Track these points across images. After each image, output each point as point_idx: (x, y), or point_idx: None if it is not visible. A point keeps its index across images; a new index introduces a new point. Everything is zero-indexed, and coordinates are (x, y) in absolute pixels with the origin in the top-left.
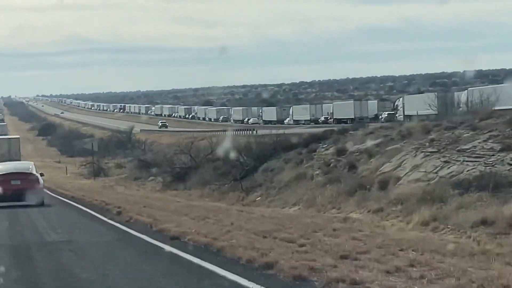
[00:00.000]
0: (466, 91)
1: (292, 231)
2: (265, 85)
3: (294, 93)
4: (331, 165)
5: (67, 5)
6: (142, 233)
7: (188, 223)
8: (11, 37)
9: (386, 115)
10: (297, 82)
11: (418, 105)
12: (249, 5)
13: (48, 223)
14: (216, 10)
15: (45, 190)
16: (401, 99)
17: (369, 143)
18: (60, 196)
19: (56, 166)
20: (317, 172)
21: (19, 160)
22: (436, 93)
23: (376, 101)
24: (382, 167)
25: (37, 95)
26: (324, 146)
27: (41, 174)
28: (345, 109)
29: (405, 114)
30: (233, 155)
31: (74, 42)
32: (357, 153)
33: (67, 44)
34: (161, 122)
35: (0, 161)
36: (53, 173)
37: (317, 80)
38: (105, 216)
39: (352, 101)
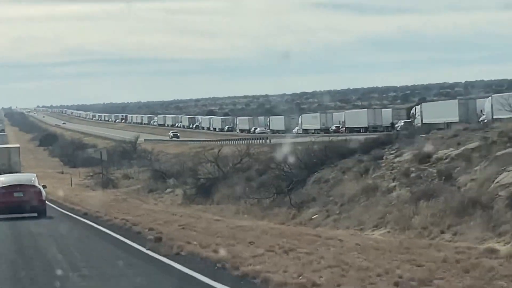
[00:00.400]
0: (490, 97)
1: (460, 280)
2: (266, 96)
3: (297, 103)
4: (412, 174)
5: (68, 16)
6: (221, 282)
7: (277, 261)
8: (11, 48)
9: (402, 124)
10: (299, 92)
11: (437, 112)
12: (250, 16)
13: (64, 254)
14: (217, 21)
15: (51, 204)
16: (418, 107)
17: (463, 147)
18: (70, 212)
19: (59, 177)
20: (394, 184)
21: (19, 169)
22: (458, 100)
23: (390, 109)
24: (499, 178)
25: (38, 106)
26: (392, 152)
27: (44, 186)
28: (358, 117)
29: (423, 122)
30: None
31: (75, 53)
32: (447, 160)
33: (67, 55)
34: (172, 133)
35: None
36: (57, 185)
37: (318, 91)
38: (141, 244)
39: (366, 110)
